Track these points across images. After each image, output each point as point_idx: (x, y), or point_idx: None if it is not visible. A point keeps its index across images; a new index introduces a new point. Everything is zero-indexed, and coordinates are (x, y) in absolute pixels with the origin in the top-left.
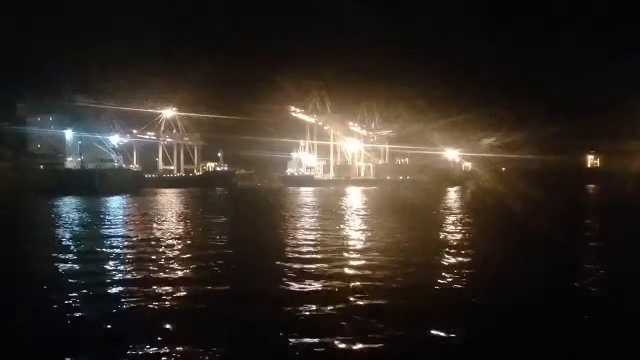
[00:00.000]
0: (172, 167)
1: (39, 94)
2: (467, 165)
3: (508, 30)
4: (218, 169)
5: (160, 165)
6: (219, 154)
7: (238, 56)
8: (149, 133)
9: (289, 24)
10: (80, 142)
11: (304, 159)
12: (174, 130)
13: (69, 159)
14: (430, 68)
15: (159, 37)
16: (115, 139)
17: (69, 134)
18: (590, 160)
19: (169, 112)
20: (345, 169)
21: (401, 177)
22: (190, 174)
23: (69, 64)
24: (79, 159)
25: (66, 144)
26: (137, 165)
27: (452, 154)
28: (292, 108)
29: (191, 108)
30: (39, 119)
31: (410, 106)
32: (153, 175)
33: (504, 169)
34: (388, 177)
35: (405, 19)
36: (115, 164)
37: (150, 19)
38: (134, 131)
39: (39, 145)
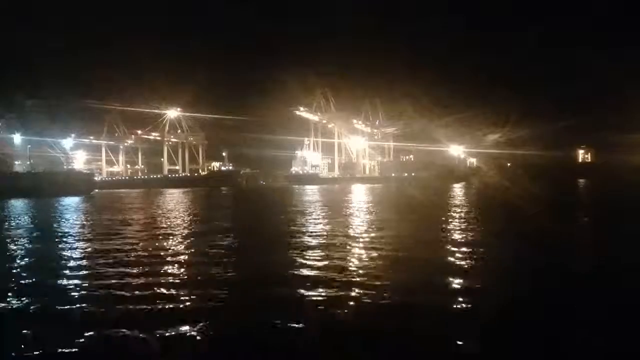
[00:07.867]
0: (177, 167)
1: None
2: (472, 161)
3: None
4: (223, 168)
5: (166, 166)
6: (224, 154)
7: (241, 56)
8: (153, 134)
9: (291, 23)
10: (29, 145)
11: (309, 158)
12: (179, 131)
13: (17, 162)
14: (434, 65)
15: (161, 38)
16: (69, 142)
17: (17, 138)
18: (581, 155)
19: (173, 113)
20: (350, 166)
21: (406, 174)
22: (195, 174)
23: (21, 68)
24: (28, 162)
25: (15, 147)
26: (119, 167)
27: (456, 150)
28: (296, 106)
29: (195, 108)
30: None
31: (414, 103)
32: (158, 176)
33: (509, 164)
34: (393, 174)
35: (406, 17)
36: (65, 167)
37: (151, 20)
38: (139, 132)
39: None
